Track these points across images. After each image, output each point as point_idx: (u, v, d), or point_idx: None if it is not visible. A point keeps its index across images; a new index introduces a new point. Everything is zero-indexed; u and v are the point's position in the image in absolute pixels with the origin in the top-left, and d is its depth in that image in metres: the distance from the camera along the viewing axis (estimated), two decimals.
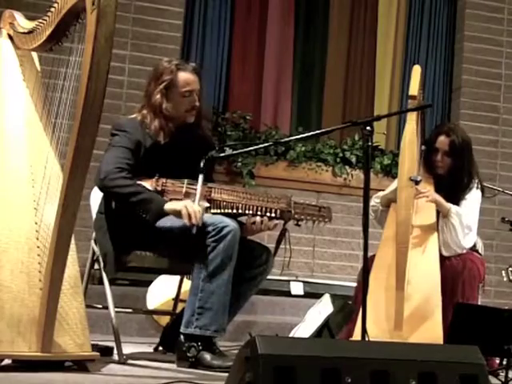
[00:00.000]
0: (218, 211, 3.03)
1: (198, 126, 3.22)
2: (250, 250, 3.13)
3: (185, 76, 3.13)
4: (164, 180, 3.03)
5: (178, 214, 2.90)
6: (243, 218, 3.14)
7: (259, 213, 3.05)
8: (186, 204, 2.90)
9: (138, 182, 3.00)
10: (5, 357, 2.43)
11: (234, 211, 3.04)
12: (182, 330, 2.95)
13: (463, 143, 3.60)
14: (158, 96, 3.10)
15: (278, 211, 3.06)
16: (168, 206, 2.93)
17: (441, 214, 3.51)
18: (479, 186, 3.64)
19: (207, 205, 3.02)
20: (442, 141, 3.61)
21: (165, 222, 2.98)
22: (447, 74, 6.29)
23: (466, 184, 3.60)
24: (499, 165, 6.02)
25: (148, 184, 3.02)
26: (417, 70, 3.41)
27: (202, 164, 2.96)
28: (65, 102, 2.63)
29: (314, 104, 6.09)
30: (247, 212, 3.06)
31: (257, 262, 3.14)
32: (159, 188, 3.02)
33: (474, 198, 3.61)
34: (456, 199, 3.57)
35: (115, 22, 2.34)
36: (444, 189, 3.63)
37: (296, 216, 3.08)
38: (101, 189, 3.04)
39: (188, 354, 2.90)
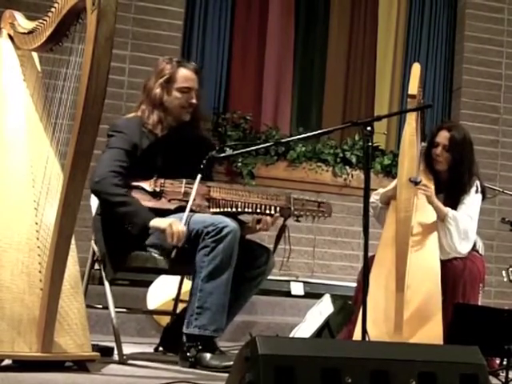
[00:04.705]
0: (218, 210, 3.03)
1: (196, 126, 3.22)
2: (251, 250, 3.13)
3: (185, 72, 3.14)
4: (162, 180, 3.03)
5: (162, 232, 2.89)
6: (243, 217, 3.13)
7: (258, 210, 3.05)
8: (172, 223, 2.88)
9: (136, 184, 3.00)
10: (5, 357, 2.43)
11: (234, 210, 3.04)
12: (183, 329, 2.95)
13: (464, 140, 3.58)
14: (158, 90, 3.11)
15: (278, 208, 3.06)
16: (153, 223, 2.91)
17: (438, 217, 3.50)
18: (479, 189, 3.61)
19: (206, 204, 3.02)
20: (443, 135, 3.60)
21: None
22: (447, 74, 6.30)
23: (466, 183, 3.56)
24: (499, 165, 6.02)
25: (146, 185, 3.02)
26: (416, 68, 3.41)
27: (201, 164, 2.97)
28: (65, 103, 2.63)
29: (314, 104, 6.09)
30: (246, 210, 3.05)
31: (257, 262, 3.13)
32: (158, 189, 3.02)
33: (473, 203, 3.57)
34: (455, 199, 3.56)
35: (115, 22, 2.34)
36: (443, 188, 3.62)
37: (296, 212, 3.08)
38: (93, 192, 3.04)
39: (188, 354, 2.91)
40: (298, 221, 3.12)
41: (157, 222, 2.91)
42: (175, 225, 2.87)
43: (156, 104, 3.10)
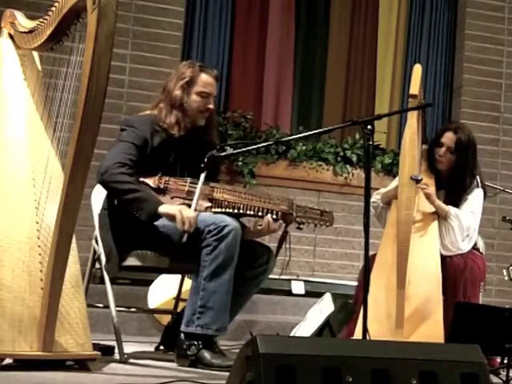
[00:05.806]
0: (220, 210, 3.03)
1: (209, 133, 3.23)
2: (252, 250, 3.13)
3: (206, 78, 3.17)
4: (167, 178, 3.03)
5: (171, 217, 2.89)
6: (244, 220, 3.13)
7: (260, 214, 3.05)
8: (182, 209, 2.89)
9: (141, 179, 3.00)
10: (6, 356, 2.43)
11: (236, 211, 3.04)
12: (182, 328, 2.95)
13: (469, 142, 3.57)
14: (179, 91, 3.12)
15: (280, 213, 3.07)
16: (163, 209, 2.91)
17: (439, 216, 3.50)
18: (479, 183, 3.61)
19: (208, 204, 3.02)
20: (449, 136, 3.59)
21: (166, 221, 2.98)
22: (448, 73, 6.30)
23: (468, 184, 3.57)
24: (500, 163, 6.02)
25: (151, 181, 3.02)
26: (417, 69, 3.41)
27: (203, 164, 2.97)
28: (65, 102, 2.63)
29: (314, 103, 6.10)
30: (248, 212, 3.06)
31: (258, 261, 3.14)
32: (162, 186, 3.02)
33: (475, 199, 3.57)
34: (456, 199, 3.56)
35: (116, 21, 2.35)
36: (444, 187, 3.62)
37: (298, 219, 3.09)
38: (100, 183, 3.04)
39: (188, 353, 2.91)
40: (299, 228, 3.12)
41: (166, 209, 2.92)
42: (185, 211, 2.89)
43: (175, 105, 3.12)
